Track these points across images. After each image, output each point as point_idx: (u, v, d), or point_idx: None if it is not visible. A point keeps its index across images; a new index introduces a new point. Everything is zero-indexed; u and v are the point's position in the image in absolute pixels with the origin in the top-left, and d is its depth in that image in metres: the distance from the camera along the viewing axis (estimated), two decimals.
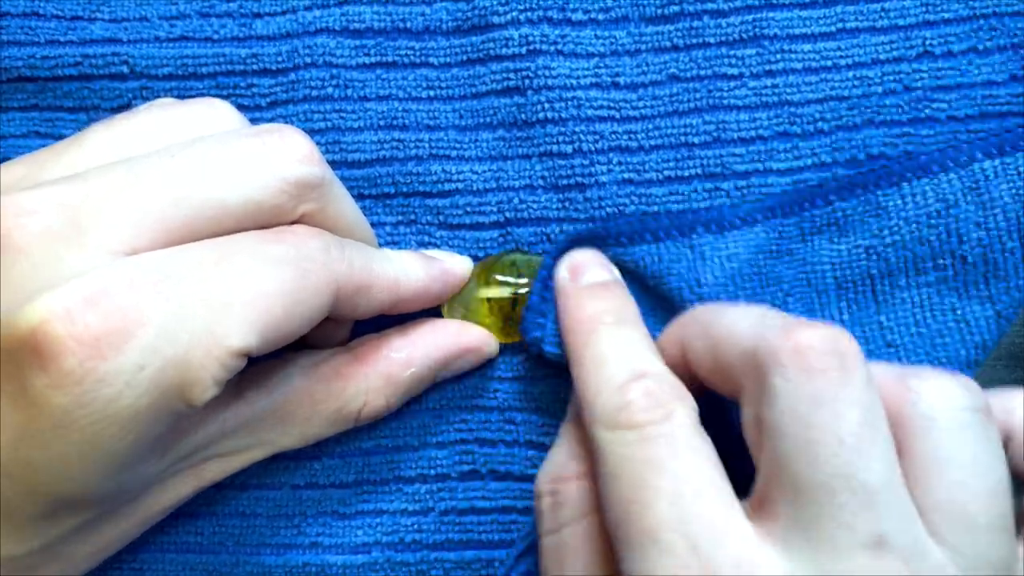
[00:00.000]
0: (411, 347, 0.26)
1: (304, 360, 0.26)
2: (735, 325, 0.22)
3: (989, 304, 0.26)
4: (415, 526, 0.28)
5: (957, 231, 0.26)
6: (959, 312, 0.26)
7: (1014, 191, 0.26)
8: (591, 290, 0.26)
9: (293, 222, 0.24)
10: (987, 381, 0.28)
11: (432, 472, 0.28)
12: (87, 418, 0.20)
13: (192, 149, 0.22)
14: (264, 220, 0.23)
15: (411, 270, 0.26)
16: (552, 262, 0.27)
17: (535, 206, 0.28)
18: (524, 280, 0.27)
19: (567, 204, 0.28)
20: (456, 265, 0.27)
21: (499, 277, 0.27)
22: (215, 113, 0.24)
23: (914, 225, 0.26)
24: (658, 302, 0.27)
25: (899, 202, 0.26)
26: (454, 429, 0.28)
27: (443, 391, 0.28)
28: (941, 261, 0.26)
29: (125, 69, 0.28)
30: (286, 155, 0.23)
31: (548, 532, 0.24)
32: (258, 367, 0.25)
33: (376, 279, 0.25)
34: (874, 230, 0.26)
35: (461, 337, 0.27)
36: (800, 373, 0.20)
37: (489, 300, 0.27)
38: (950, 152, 0.26)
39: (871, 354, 0.26)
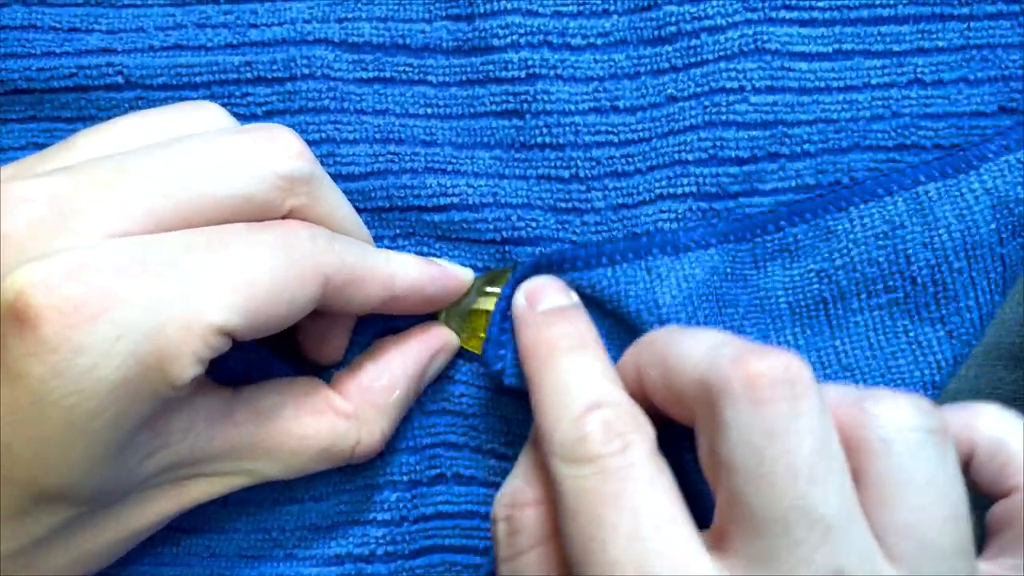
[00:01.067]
0: (388, 370, 0.26)
1: (298, 390, 0.26)
2: (688, 353, 0.22)
3: (940, 325, 0.27)
4: (387, 537, 0.28)
5: (905, 252, 0.26)
6: (911, 334, 0.27)
7: (958, 212, 0.26)
8: (548, 316, 0.25)
9: (283, 217, 0.24)
10: (987, 381, 0.30)
11: (405, 479, 0.28)
12: (63, 390, 0.20)
13: (182, 144, 0.23)
14: (253, 214, 0.23)
15: (408, 268, 0.26)
16: (510, 292, 0.26)
17: (533, 225, 0.28)
18: None
19: (565, 226, 0.28)
20: (457, 270, 0.27)
21: (489, 289, 0.28)
22: (205, 114, 0.25)
23: (863, 247, 0.27)
24: (617, 326, 0.27)
25: (847, 225, 0.27)
26: (426, 433, 0.28)
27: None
28: (891, 283, 0.26)
29: (120, 80, 0.28)
30: (275, 151, 0.23)
31: (505, 559, 0.23)
32: (251, 392, 0.25)
33: (369, 273, 0.25)
34: (824, 254, 0.27)
35: (427, 342, 0.27)
36: (751, 404, 0.20)
37: (487, 312, 0.27)
38: (895, 176, 0.27)
39: (827, 378, 0.27)
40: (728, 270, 0.27)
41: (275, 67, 0.28)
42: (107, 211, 0.21)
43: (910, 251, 0.26)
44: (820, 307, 0.27)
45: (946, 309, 0.26)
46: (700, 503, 0.22)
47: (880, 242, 0.27)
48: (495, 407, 0.28)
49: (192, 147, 0.23)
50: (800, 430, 0.20)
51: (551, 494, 0.23)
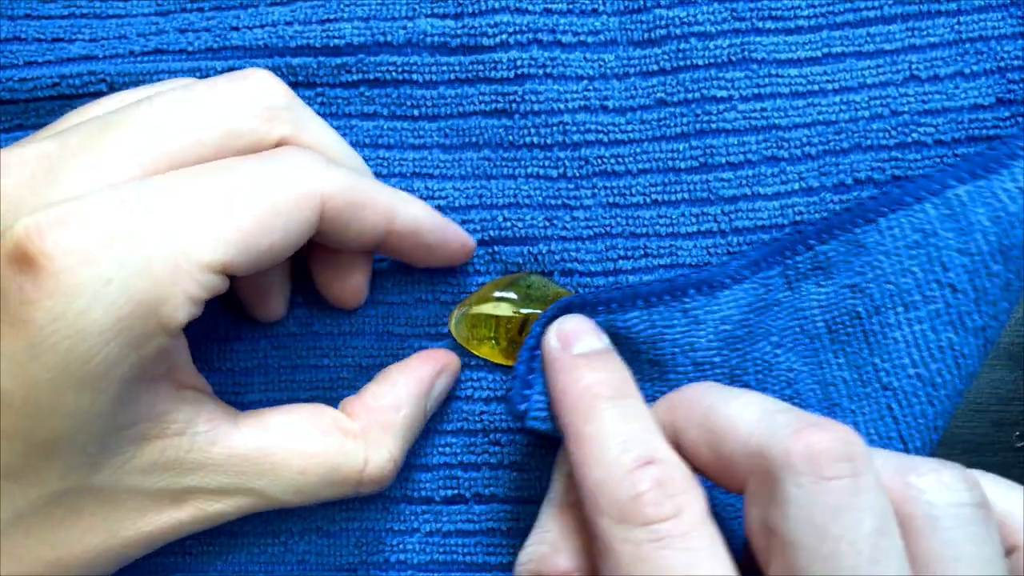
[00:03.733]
0: (392, 390, 0.26)
1: (303, 410, 0.25)
2: (738, 418, 0.21)
3: (981, 334, 0.26)
4: (400, 546, 0.28)
5: (940, 259, 0.26)
6: (957, 348, 0.26)
7: (992, 214, 0.26)
8: (586, 360, 0.24)
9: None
10: (987, 381, 0.29)
11: (416, 495, 0.28)
12: (58, 333, 0.20)
13: (161, 95, 0.23)
14: (244, 148, 0.23)
15: (410, 203, 0.25)
16: (540, 331, 0.25)
17: (520, 224, 0.28)
18: (519, 302, 0.27)
19: (554, 222, 0.28)
20: (460, 231, 0.27)
21: (498, 294, 0.27)
22: (180, 82, 0.26)
23: (895, 258, 0.26)
24: (650, 368, 0.26)
25: (878, 237, 0.26)
26: (438, 452, 0.28)
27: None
28: (929, 292, 0.26)
29: (104, 87, 0.28)
30: (251, 85, 0.24)
31: None
32: (257, 410, 0.25)
33: (368, 198, 0.24)
34: (856, 268, 0.26)
35: (430, 362, 0.27)
36: (814, 480, 0.20)
37: (498, 319, 0.27)
38: (922, 182, 0.26)
39: (868, 397, 0.26)
40: (760, 302, 0.26)
41: None
42: (96, 165, 0.22)
43: (945, 258, 0.26)
44: (856, 323, 0.26)
45: (987, 316, 0.26)
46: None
47: (913, 251, 0.26)
48: (507, 420, 0.28)
49: (171, 96, 0.23)
50: (861, 507, 0.20)
51: (581, 563, 0.22)
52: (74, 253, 0.20)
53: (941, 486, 0.21)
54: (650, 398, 0.25)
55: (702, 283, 0.26)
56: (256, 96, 0.24)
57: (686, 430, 0.23)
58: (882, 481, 0.20)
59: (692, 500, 0.21)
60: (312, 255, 0.27)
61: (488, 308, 0.27)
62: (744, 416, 0.21)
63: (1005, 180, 0.26)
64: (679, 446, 0.23)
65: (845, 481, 0.20)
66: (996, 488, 0.22)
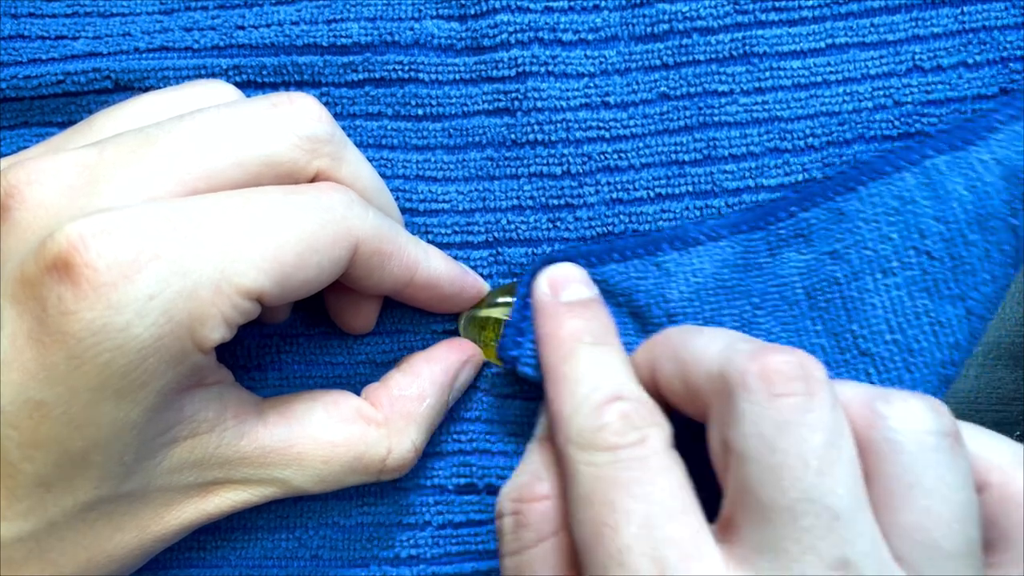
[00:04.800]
0: (417, 380, 0.26)
1: (328, 398, 0.26)
2: (704, 349, 0.22)
3: (960, 303, 0.26)
4: (411, 540, 0.28)
5: (917, 226, 0.26)
6: (933, 315, 0.26)
7: (968, 184, 0.26)
8: (570, 307, 0.25)
9: (313, 181, 0.24)
10: (987, 381, 0.29)
11: (428, 483, 0.28)
12: (97, 347, 0.20)
13: (204, 113, 0.23)
14: (281, 176, 0.23)
15: (433, 259, 0.26)
16: (530, 280, 0.26)
17: (524, 227, 0.28)
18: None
19: (558, 224, 0.28)
20: (477, 279, 0.27)
21: (502, 300, 0.27)
22: (218, 91, 0.25)
23: (873, 224, 0.26)
24: (630, 318, 0.27)
25: (857, 205, 0.26)
26: (453, 440, 0.28)
27: None
28: (907, 259, 0.26)
29: (109, 84, 0.28)
30: (296, 113, 0.24)
31: (510, 553, 0.23)
32: (281, 399, 0.25)
33: (397, 249, 0.25)
34: (836, 235, 0.26)
35: (455, 353, 0.27)
36: (766, 397, 0.20)
37: (502, 323, 0.27)
38: (902, 152, 0.26)
39: (847, 363, 0.26)
40: (740, 261, 0.26)
41: (265, 72, 0.28)
42: (136, 179, 0.22)
43: (923, 225, 0.26)
44: (835, 289, 0.26)
45: (965, 285, 0.26)
46: (711, 498, 0.22)
47: (891, 218, 0.26)
48: (528, 415, 0.28)
49: (214, 115, 0.23)
50: (811, 423, 0.20)
51: (561, 489, 0.23)
52: (117, 266, 0.20)
53: (906, 412, 0.21)
54: (627, 348, 0.26)
55: (675, 238, 0.27)
56: (299, 124, 0.24)
57: (661, 366, 0.24)
58: (839, 402, 0.21)
59: (655, 431, 0.22)
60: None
61: (496, 312, 0.27)
62: (710, 346, 0.22)
63: (982, 151, 0.26)
64: (656, 382, 0.24)
65: (797, 399, 0.20)
66: (974, 432, 0.23)
